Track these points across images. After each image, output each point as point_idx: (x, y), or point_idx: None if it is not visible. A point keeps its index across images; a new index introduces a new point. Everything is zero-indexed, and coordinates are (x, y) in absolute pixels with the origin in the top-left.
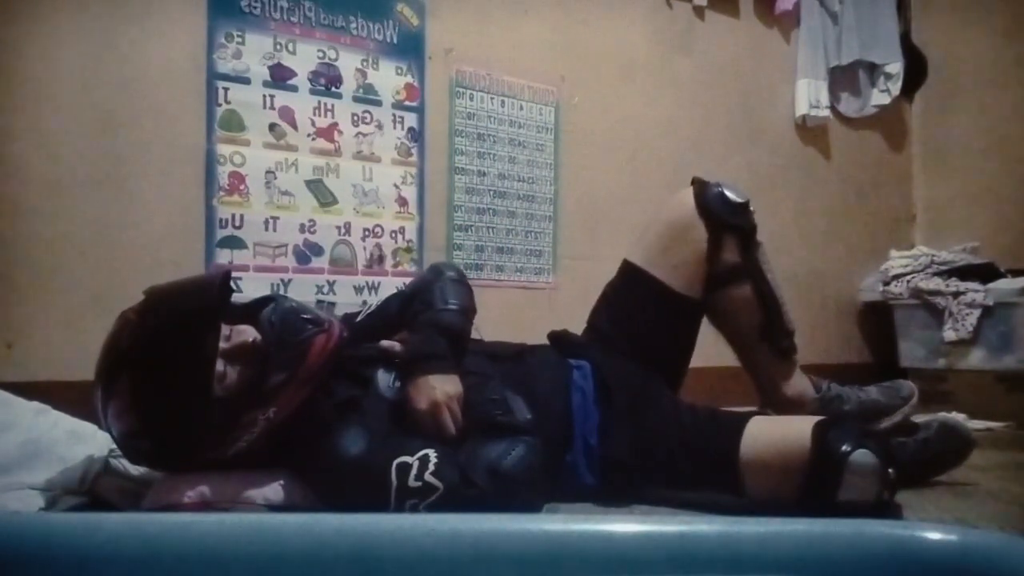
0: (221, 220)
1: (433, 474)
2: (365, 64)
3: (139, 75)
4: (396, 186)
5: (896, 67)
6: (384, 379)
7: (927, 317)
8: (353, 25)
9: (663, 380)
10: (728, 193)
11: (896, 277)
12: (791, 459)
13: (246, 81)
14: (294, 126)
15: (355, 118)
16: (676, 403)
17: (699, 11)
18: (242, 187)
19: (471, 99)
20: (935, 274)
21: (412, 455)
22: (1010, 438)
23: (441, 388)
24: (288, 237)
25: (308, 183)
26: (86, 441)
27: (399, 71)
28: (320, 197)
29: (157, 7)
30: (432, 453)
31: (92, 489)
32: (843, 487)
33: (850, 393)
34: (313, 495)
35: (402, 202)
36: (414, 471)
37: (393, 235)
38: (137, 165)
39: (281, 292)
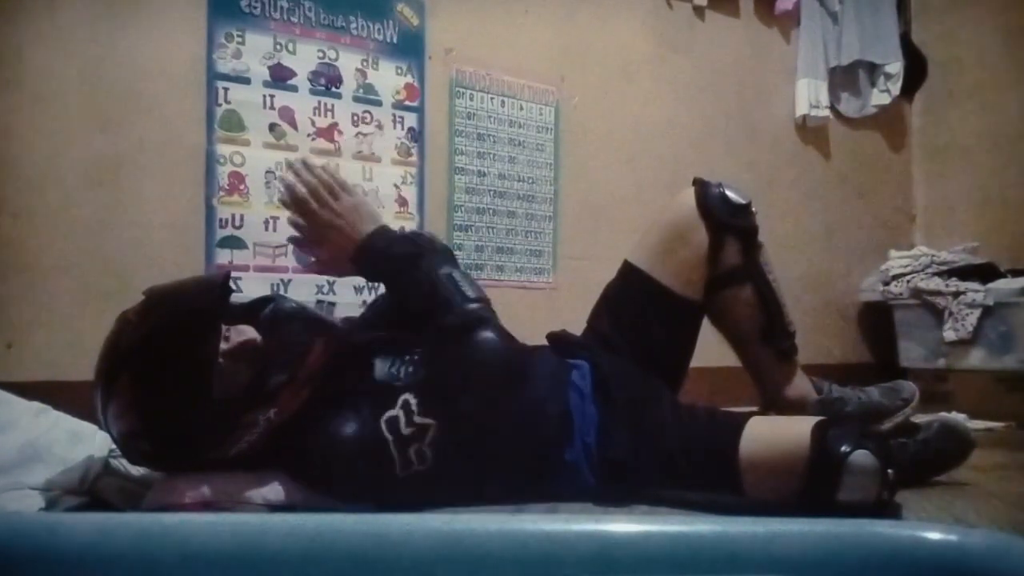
0: (221, 220)
1: (421, 414)
2: (365, 64)
3: (139, 75)
4: (396, 186)
5: (896, 67)
6: (382, 367)
7: (927, 317)
8: (353, 25)
9: (662, 381)
10: (729, 194)
11: (896, 277)
12: (790, 459)
13: (246, 81)
14: (294, 126)
15: (355, 118)
16: (675, 403)
17: (699, 11)
18: (242, 187)
19: (471, 99)
20: (935, 274)
21: (395, 406)
22: (1010, 438)
23: None
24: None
25: None
26: (86, 441)
27: (399, 71)
28: None
29: (157, 7)
30: (410, 396)
31: (92, 489)
32: (842, 487)
33: (851, 395)
34: (321, 491)
35: (402, 202)
36: (403, 420)
37: None
38: (137, 165)
39: (281, 292)
